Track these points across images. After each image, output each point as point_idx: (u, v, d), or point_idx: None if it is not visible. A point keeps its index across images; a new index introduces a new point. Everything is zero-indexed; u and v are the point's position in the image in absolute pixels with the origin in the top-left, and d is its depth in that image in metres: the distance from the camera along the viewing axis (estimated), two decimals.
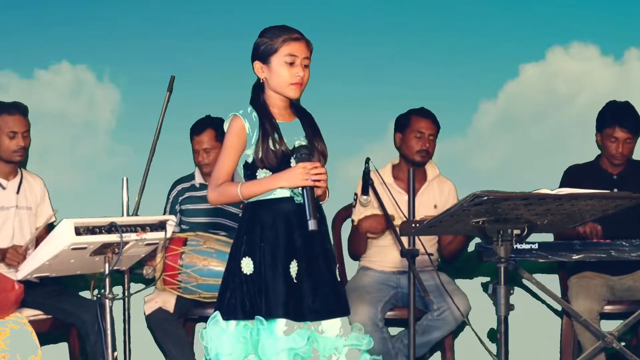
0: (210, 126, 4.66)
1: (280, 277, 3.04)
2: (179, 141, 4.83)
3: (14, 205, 4.38)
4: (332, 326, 3.11)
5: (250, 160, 3.11)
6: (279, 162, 3.08)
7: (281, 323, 3.02)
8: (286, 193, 3.09)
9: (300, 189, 3.04)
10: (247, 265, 3.09)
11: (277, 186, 3.06)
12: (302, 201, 3.04)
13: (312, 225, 3.00)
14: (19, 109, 4.39)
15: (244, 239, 3.12)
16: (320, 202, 3.19)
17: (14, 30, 5.15)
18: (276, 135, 3.09)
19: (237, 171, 3.18)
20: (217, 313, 3.11)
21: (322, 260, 3.11)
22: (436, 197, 4.62)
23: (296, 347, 3.00)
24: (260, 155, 3.08)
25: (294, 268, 3.06)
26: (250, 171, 3.13)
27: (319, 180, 3.02)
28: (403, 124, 4.61)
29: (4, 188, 4.38)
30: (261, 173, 3.10)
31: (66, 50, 5.19)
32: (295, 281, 3.05)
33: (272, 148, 3.07)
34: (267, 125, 3.09)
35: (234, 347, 3.06)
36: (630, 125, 4.47)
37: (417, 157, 4.55)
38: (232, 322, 3.08)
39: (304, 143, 3.12)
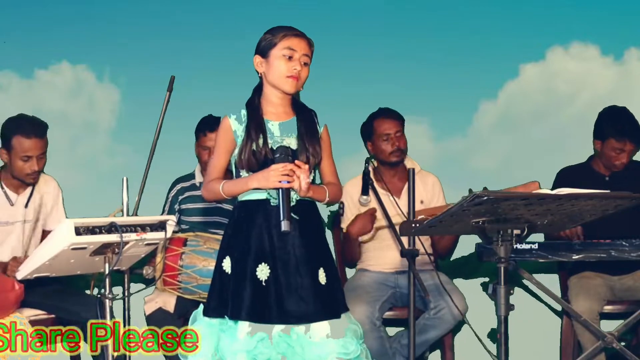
0: None
1: (247, 279, 3.06)
2: (179, 141, 4.83)
3: (20, 220, 4.30)
4: (319, 330, 3.09)
5: (237, 160, 3.15)
6: (261, 164, 3.09)
7: (244, 325, 3.04)
8: (262, 195, 3.10)
9: (276, 190, 3.04)
10: (227, 265, 3.13)
11: (250, 186, 3.09)
12: (277, 203, 3.04)
13: (284, 226, 2.99)
14: (36, 131, 4.14)
15: (226, 239, 3.18)
16: (323, 203, 3.20)
17: (14, 30, 5.16)
18: (260, 138, 3.09)
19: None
20: (202, 305, 3.20)
21: (301, 263, 3.09)
22: (421, 192, 4.60)
23: (254, 350, 3.02)
24: (242, 157, 3.11)
25: (263, 270, 3.06)
26: (237, 170, 3.18)
27: (290, 181, 3.02)
28: (368, 131, 4.62)
29: (12, 204, 4.28)
30: (243, 173, 3.14)
31: (66, 50, 5.19)
32: (264, 284, 3.05)
33: (254, 149, 3.09)
34: (252, 127, 3.11)
35: (203, 341, 3.12)
36: (637, 138, 4.46)
37: (392, 159, 4.55)
38: (206, 318, 3.15)
39: (292, 143, 3.13)
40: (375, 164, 4.64)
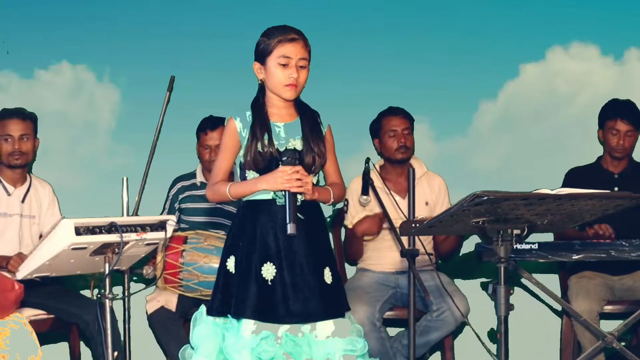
0: (222, 123, 4.65)
1: (252, 278, 3.07)
2: (179, 141, 4.83)
3: (17, 213, 4.38)
4: (324, 329, 3.11)
5: (243, 160, 3.15)
6: (267, 165, 3.10)
7: (249, 323, 3.05)
8: (268, 195, 3.10)
9: (282, 192, 3.05)
10: (231, 264, 3.13)
11: (259, 188, 3.09)
12: (283, 203, 3.05)
13: (290, 229, 3.01)
14: (17, 114, 4.39)
15: (231, 239, 3.18)
16: (328, 204, 3.21)
17: (14, 30, 5.15)
18: (266, 138, 3.10)
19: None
20: (203, 306, 3.20)
21: (307, 262, 3.10)
22: (427, 193, 4.61)
23: (258, 349, 3.02)
24: (247, 157, 3.11)
25: (269, 270, 3.07)
26: (242, 172, 3.18)
27: (300, 186, 3.04)
28: (376, 129, 4.64)
29: (9, 194, 4.39)
30: (250, 174, 3.15)
31: (66, 50, 5.19)
32: (270, 283, 3.06)
33: (260, 150, 3.09)
34: (258, 127, 3.11)
35: (206, 341, 3.12)
36: (632, 118, 4.51)
37: (397, 155, 4.55)
38: (210, 318, 3.14)
39: (297, 144, 3.13)
40: (382, 162, 4.65)
